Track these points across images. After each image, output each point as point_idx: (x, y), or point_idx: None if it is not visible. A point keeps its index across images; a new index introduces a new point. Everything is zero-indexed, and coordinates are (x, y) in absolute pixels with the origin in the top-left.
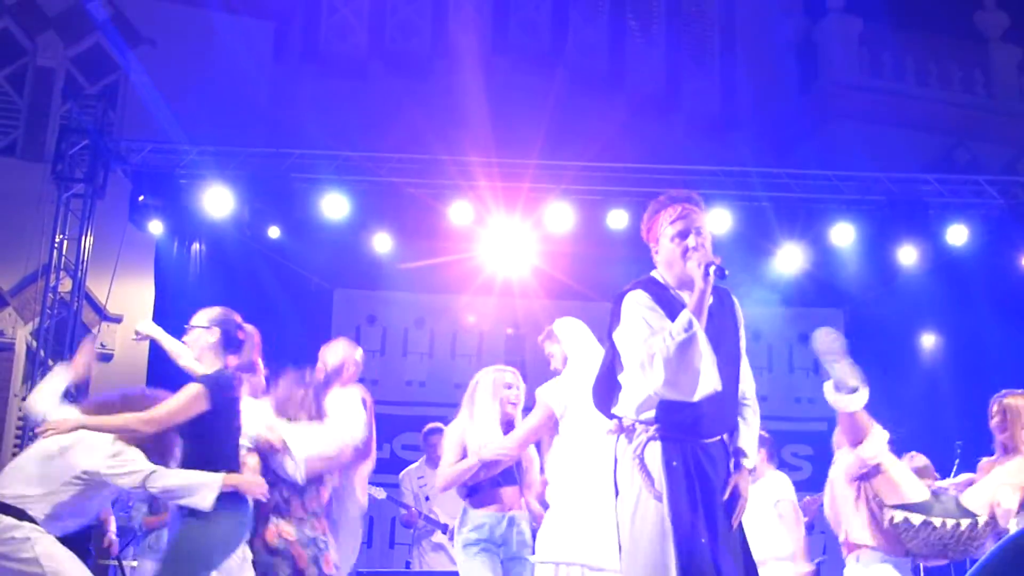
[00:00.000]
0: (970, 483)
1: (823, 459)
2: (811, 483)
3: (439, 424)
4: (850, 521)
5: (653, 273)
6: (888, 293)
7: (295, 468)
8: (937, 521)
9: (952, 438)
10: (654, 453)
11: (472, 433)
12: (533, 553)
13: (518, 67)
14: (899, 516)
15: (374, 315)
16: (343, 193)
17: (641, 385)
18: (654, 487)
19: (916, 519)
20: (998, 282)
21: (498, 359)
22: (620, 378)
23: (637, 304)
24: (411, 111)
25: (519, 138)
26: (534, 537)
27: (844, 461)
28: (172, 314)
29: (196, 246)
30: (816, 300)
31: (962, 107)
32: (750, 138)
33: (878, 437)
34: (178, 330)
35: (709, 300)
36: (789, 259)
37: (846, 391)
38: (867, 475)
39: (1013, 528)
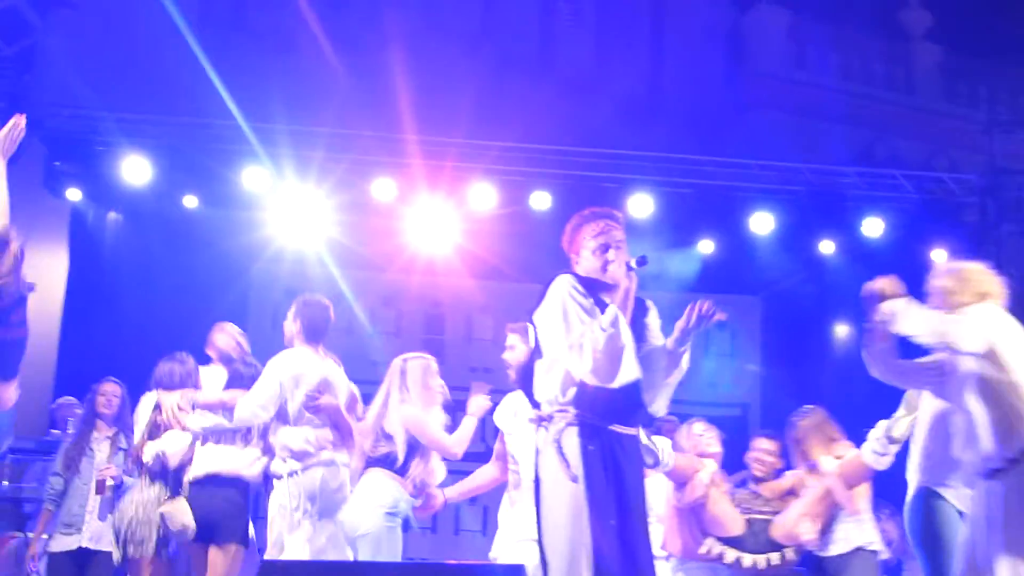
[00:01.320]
0: (791, 491)
1: (736, 444)
2: (723, 467)
3: None
4: (670, 535)
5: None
6: (805, 282)
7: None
8: (747, 560)
9: (862, 424)
10: (571, 439)
11: (410, 416)
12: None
13: (446, 45)
14: (716, 548)
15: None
16: (264, 166)
17: (559, 370)
18: (570, 470)
19: (730, 555)
20: (911, 274)
21: (417, 337)
22: (537, 365)
23: (564, 288)
24: (337, 86)
25: (445, 117)
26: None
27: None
28: (86, 283)
29: (112, 215)
30: (734, 287)
31: (883, 103)
32: (675, 124)
33: (702, 477)
34: (93, 299)
35: (630, 310)
36: (708, 246)
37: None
38: (692, 507)
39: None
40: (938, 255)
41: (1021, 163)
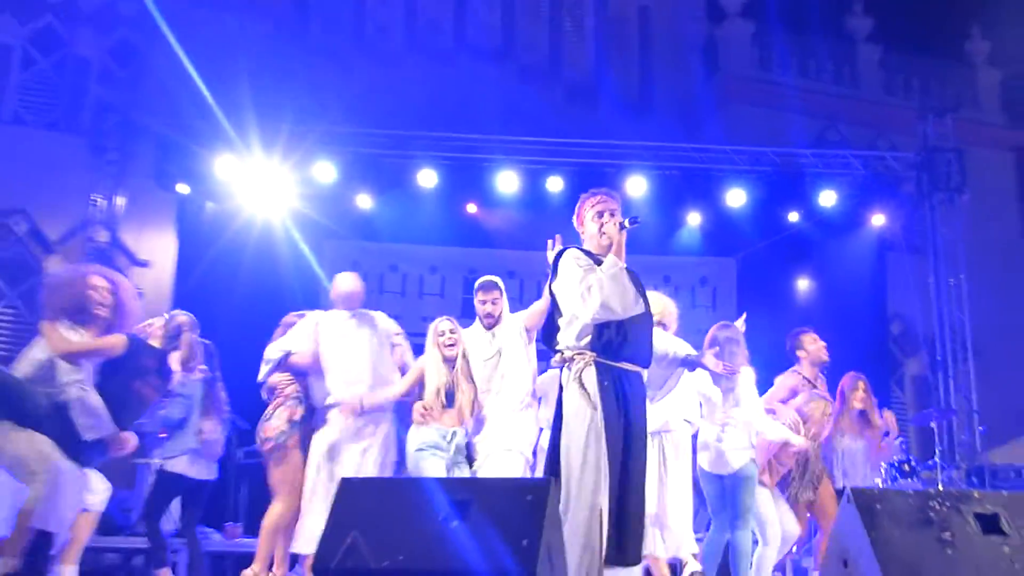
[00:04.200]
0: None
1: None
2: None
3: None
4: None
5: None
6: (772, 245)
7: None
8: None
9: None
10: (590, 375)
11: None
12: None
13: (475, 60)
14: None
15: (357, 260)
16: (333, 163)
17: (578, 319)
18: (590, 400)
19: None
20: (859, 236)
21: (458, 297)
22: (559, 321)
23: (572, 259)
24: (388, 94)
25: (475, 119)
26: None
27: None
28: (192, 262)
29: (210, 204)
30: (715, 251)
31: (834, 95)
32: (663, 119)
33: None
34: (198, 273)
35: (623, 261)
36: (693, 217)
37: None
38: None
39: None
40: (878, 219)
41: (949, 143)
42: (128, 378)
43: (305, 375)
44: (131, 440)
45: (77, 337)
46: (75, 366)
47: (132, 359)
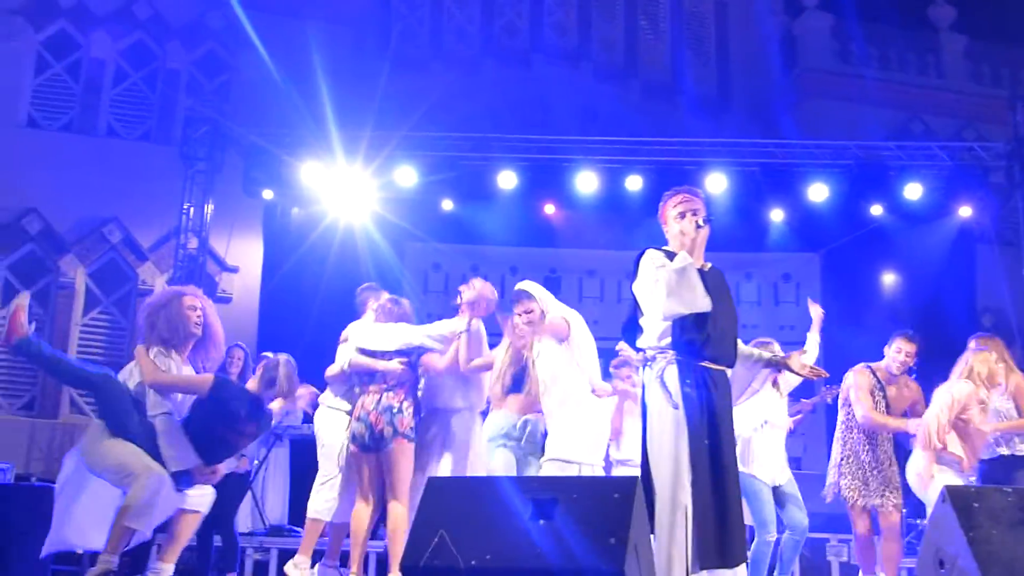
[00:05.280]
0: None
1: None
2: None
3: None
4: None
5: (664, 248)
6: (856, 240)
7: None
8: None
9: None
10: (672, 375)
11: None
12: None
13: (551, 62)
14: None
15: (438, 263)
16: (412, 165)
17: (655, 318)
18: (672, 399)
19: None
20: (946, 229)
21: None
22: (640, 321)
23: (650, 260)
24: (466, 99)
25: (553, 120)
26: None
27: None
28: (278, 266)
29: (295, 209)
30: (798, 246)
31: (917, 87)
32: (742, 115)
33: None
34: (285, 278)
35: (701, 259)
36: (776, 213)
37: None
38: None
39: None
40: (966, 211)
41: None
42: (215, 423)
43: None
44: (220, 471)
45: (170, 365)
46: (163, 398)
47: (220, 403)
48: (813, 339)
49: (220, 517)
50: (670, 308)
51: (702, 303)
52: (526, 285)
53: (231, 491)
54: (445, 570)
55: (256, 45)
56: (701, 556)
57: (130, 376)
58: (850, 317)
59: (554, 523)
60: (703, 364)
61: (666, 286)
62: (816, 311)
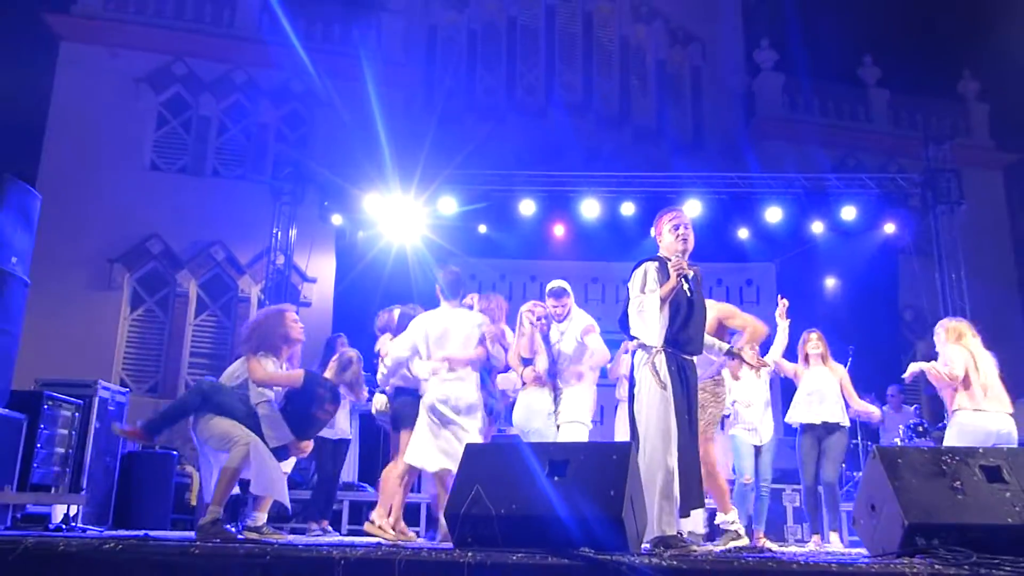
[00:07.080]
0: None
1: None
2: None
3: None
4: None
5: (659, 255)
6: (804, 252)
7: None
8: None
9: (846, 344)
10: (661, 360)
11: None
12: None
13: (562, 113)
14: None
15: (474, 274)
16: (453, 196)
17: (649, 318)
18: (660, 380)
19: None
20: (874, 242)
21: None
22: (632, 313)
23: (644, 272)
24: (495, 143)
25: (564, 159)
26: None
27: None
28: (347, 277)
29: (361, 232)
30: (758, 257)
31: (851, 130)
32: (713, 154)
33: None
34: (351, 286)
35: (687, 283)
36: (741, 231)
37: None
38: None
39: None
40: (891, 228)
41: (948, 165)
42: (306, 404)
43: None
44: (308, 446)
45: (272, 367)
46: (265, 389)
47: (309, 390)
48: (782, 325)
49: (326, 476)
50: (636, 328)
51: (652, 338)
52: (564, 284)
53: (338, 454)
54: (481, 516)
55: (330, 103)
56: (686, 502)
57: (236, 374)
58: (800, 313)
59: (565, 479)
60: (683, 355)
61: (638, 311)
62: (782, 303)
